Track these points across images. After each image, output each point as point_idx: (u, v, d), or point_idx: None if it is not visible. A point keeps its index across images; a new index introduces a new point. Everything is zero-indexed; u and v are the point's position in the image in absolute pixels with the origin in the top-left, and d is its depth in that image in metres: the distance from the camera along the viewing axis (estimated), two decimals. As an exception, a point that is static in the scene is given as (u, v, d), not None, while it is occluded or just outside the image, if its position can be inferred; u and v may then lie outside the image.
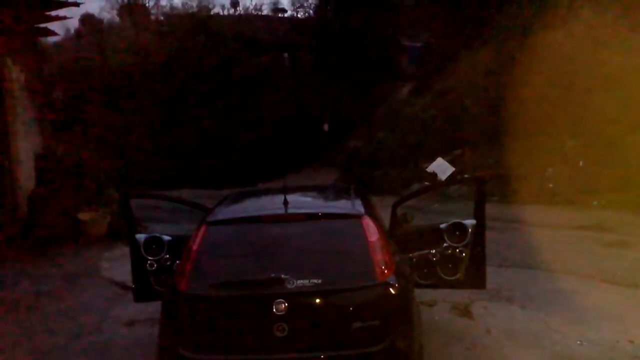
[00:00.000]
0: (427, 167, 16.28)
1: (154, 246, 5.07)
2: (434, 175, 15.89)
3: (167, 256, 5.01)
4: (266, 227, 4.08)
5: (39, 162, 11.15)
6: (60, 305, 7.38)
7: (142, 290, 5.13)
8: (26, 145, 10.95)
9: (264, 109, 23.48)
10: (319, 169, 22.64)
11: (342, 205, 4.52)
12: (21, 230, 10.49)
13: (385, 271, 3.77)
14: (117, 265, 8.74)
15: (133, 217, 5.37)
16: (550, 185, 13.49)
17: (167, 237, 5.09)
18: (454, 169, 15.69)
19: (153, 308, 5.11)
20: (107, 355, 5.63)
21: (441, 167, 16.03)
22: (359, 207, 4.25)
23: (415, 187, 14.36)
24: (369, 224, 3.97)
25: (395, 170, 16.79)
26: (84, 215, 10.83)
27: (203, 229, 4.07)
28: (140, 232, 5.29)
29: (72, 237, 10.49)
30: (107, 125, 19.92)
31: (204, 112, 22.28)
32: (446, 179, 15.04)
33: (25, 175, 10.84)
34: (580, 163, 13.39)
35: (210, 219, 4.23)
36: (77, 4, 10.87)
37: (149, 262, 5.03)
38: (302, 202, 4.68)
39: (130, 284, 5.40)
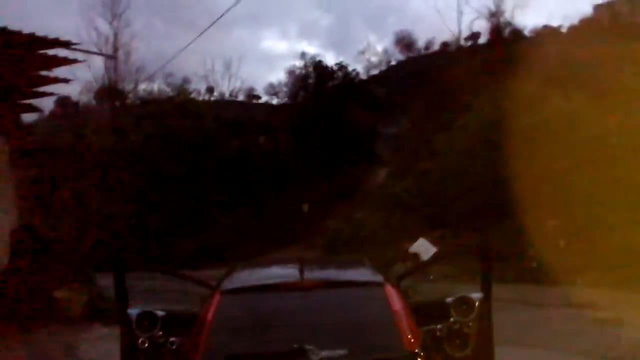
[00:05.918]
0: (409, 248, 16.26)
1: (146, 322, 4.78)
2: (416, 255, 15.84)
3: (160, 333, 4.72)
4: (284, 295, 3.87)
5: (14, 237, 10.74)
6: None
7: None
8: (3, 220, 10.59)
9: (243, 189, 23.53)
10: (299, 250, 22.37)
11: (361, 273, 4.37)
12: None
13: (412, 340, 3.61)
14: (95, 347, 8.28)
15: (126, 290, 5.09)
16: (534, 264, 13.57)
17: (160, 313, 4.82)
18: (436, 248, 15.69)
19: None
20: None
21: (423, 247, 16.02)
22: (379, 275, 4.13)
23: (399, 267, 14.22)
24: (391, 292, 3.82)
25: (377, 251, 16.72)
26: (60, 293, 10.31)
27: (217, 298, 3.85)
28: (132, 307, 4.99)
29: (48, 316, 9.92)
30: (85, 204, 19.54)
31: (183, 192, 22.19)
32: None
33: (1, 250, 10.38)
34: (561, 242, 13.58)
35: (224, 287, 4.03)
36: (67, 81, 10.93)
37: (140, 339, 4.72)
38: (319, 271, 4.53)
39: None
